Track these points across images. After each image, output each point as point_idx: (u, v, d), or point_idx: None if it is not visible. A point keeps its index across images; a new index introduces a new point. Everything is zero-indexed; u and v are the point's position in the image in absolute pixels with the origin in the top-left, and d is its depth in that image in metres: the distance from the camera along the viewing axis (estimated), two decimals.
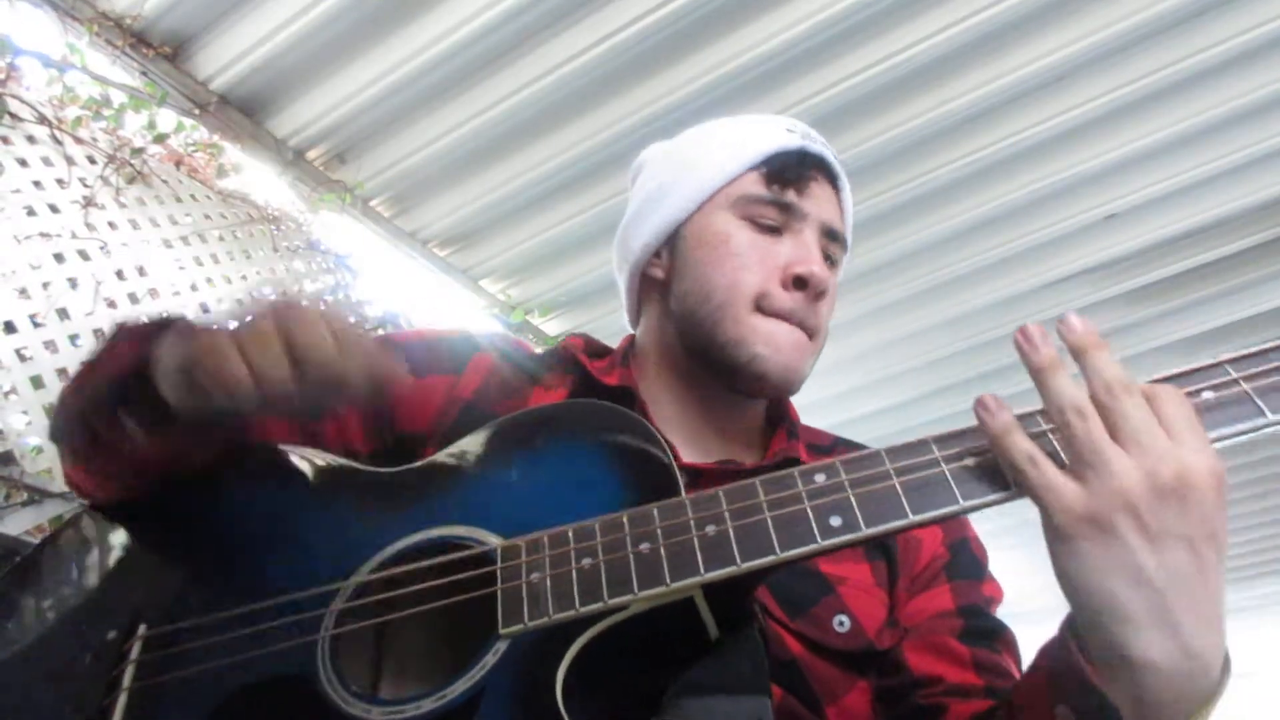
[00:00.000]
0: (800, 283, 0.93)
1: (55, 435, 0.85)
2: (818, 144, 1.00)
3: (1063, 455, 0.59)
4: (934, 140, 2.70)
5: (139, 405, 0.74)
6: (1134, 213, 2.98)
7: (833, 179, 1.01)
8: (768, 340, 0.92)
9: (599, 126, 2.63)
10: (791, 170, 0.96)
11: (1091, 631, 0.58)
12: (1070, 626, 0.64)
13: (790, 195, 0.96)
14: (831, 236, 0.99)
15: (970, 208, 2.94)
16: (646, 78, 2.50)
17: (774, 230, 0.96)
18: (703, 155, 1.02)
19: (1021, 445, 0.59)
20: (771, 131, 1.00)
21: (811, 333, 0.96)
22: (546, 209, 2.94)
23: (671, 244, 1.02)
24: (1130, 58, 2.46)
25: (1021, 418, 0.61)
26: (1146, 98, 2.57)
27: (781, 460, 0.96)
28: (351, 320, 0.70)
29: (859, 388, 3.76)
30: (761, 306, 0.93)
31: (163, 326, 0.73)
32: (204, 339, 0.68)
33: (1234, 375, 0.60)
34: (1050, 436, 0.60)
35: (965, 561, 0.95)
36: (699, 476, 0.91)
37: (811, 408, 3.73)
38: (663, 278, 1.02)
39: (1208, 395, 0.60)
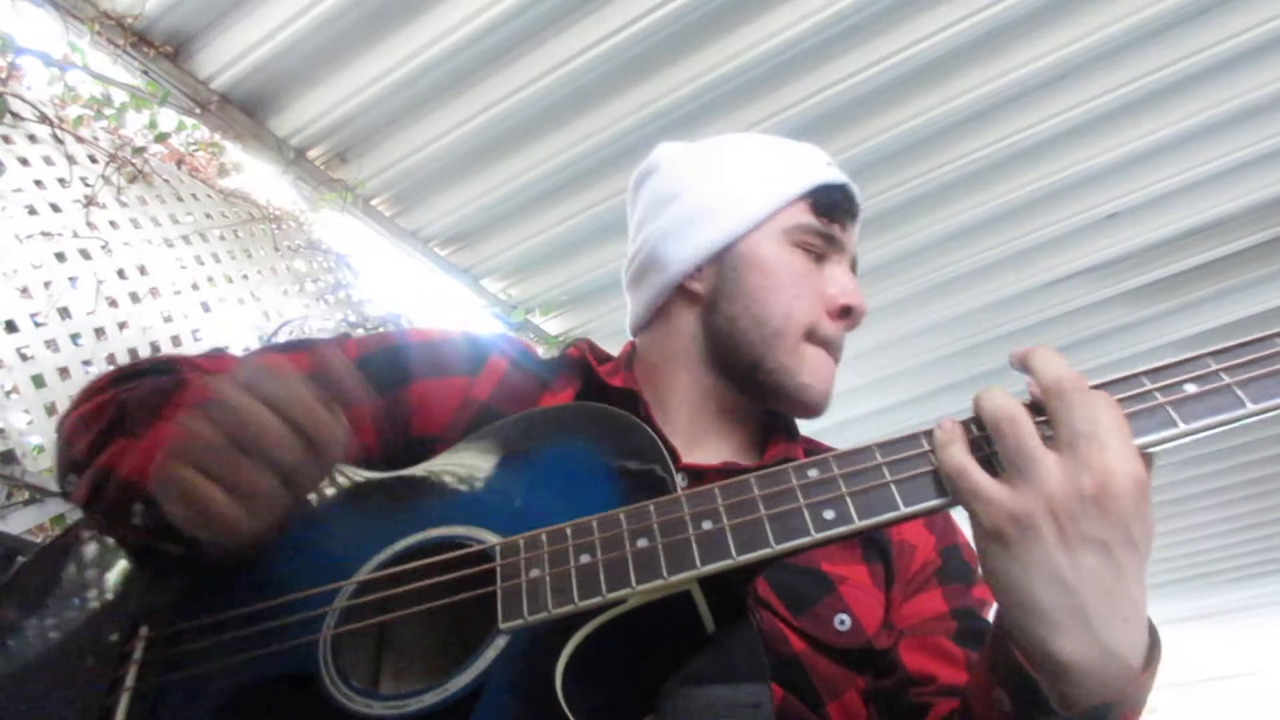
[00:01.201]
0: (846, 312, 1.03)
1: (62, 485, 0.84)
2: (853, 183, 1.09)
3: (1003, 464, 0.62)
4: (934, 139, 2.70)
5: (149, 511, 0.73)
6: (1135, 212, 2.98)
7: (855, 217, 1.10)
8: (814, 371, 1.00)
9: (600, 125, 2.63)
10: (839, 205, 1.05)
11: (1016, 627, 0.61)
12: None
13: (836, 229, 1.04)
14: (854, 268, 1.10)
15: (971, 207, 2.94)
16: (647, 77, 2.50)
17: (818, 258, 1.03)
18: (751, 179, 1.05)
19: (955, 457, 0.62)
20: (817, 164, 1.07)
21: (838, 357, 1.05)
22: (548, 208, 2.94)
23: (719, 262, 1.04)
24: (1131, 57, 2.47)
25: (975, 439, 0.64)
26: (1147, 97, 2.57)
27: (781, 461, 0.97)
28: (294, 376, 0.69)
29: (859, 387, 3.77)
30: (811, 335, 1.00)
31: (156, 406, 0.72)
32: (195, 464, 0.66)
33: (1215, 367, 0.62)
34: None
35: (955, 566, 0.98)
36: (700, 477, 0.92)
37: None
38: (703, 293, 1.04)
39: (1190, 388, 0.61)
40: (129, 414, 0.77)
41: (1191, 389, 0.61)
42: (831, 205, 1.03)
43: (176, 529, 0.70)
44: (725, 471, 0.94)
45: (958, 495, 0.61)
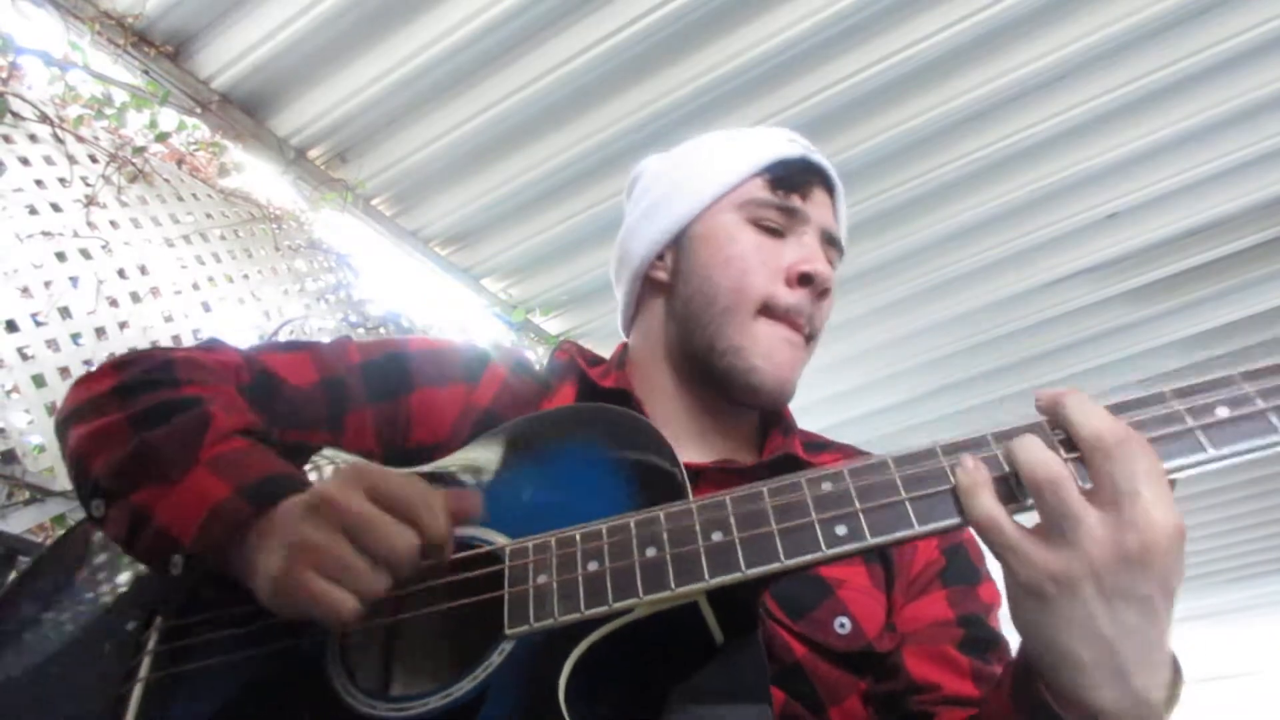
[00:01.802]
0: (805, 279, 0.96)
1: (88, 509, 0.80)
2: (817, 155, 1.04)
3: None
4: (935, 139, 2.70)
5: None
6: (1135, 212, 2.98)
7: (830, 189, 1.05)
8: (767, 353, 0.95)
9: (600, 125, 2.63)
10: (796, 176, 1.00)
11: (1049, 674, 0.60)
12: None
13: (794, 200, 0.99)
14: (830, 242, 1.02)
15: (971, 207, 2.94)
16: (647, 77, 2.50)
17: (777, 233, 0.99)
18: (708, 162, 1.05)
19: (987, 506, 0.59)
20: (775, 141, 1.04)
21: (810, 336, 0.98)
22: (548, 208, 2.94)
23: (676, 246, 1.04)
24: (1131, 56, 2.46)
25: (1001, 478, 0.61)
26: (1148, 96, 2.57)
27: (780, 458, 0.97)
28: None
29: (860, 387, 3.77)
30: (767, 309, 0.95)
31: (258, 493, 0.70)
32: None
33: (1249, 390, 0.59)
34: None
35: (960, 566, 0.95)
36: (697, 476, 0.92)
37: (812, 407, 3.76)
38: (666, 280, 1.04)
39: (1222, 411, 0.59)
40: (159, 458, 0.73)
41: (1224, 413, 0.58)
42: (787, 177, 0.99)
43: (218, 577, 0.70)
44: (721, 470, 0.94)
45: (992, 548, 0.60)
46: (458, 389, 0.98)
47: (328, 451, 0.87)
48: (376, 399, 0.95)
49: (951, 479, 0.62)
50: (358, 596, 0.63)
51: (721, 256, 0.98)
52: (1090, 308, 3.35)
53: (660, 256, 1.06)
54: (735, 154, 1.03)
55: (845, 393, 3.77)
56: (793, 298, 0.95)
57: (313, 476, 0.84)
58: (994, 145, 2.71)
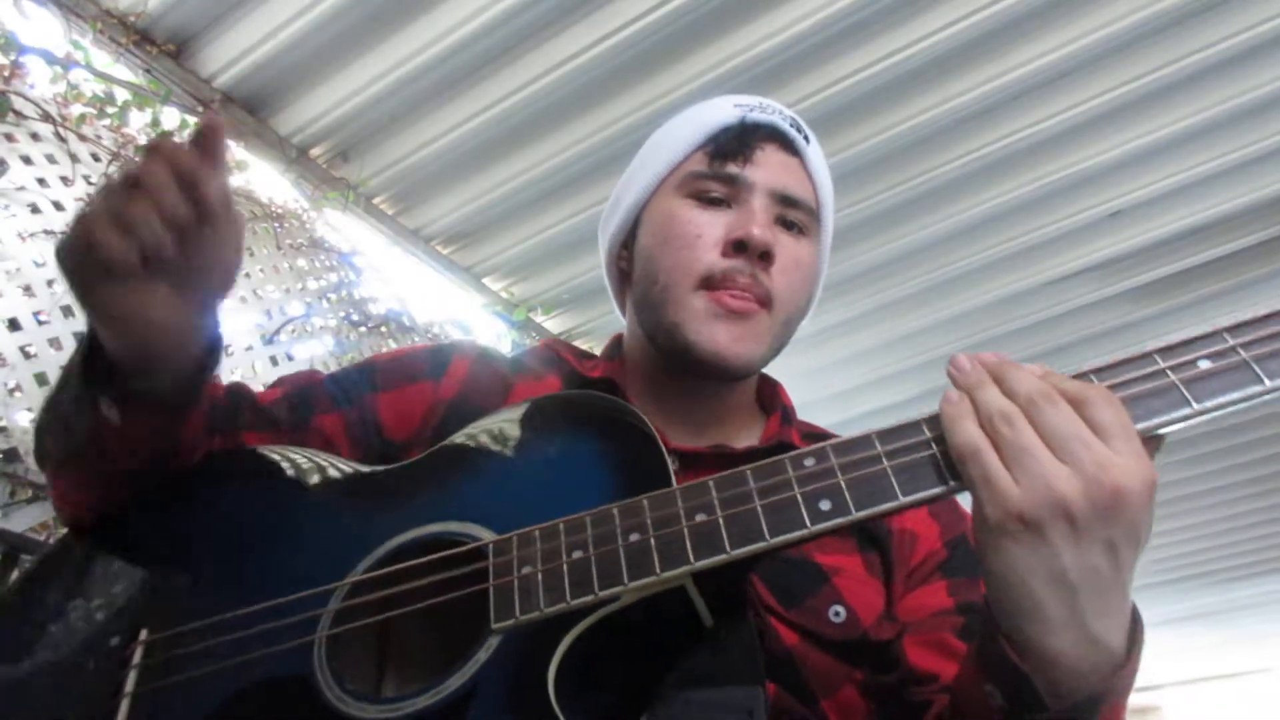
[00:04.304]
0: (740, 246, 0.91)
1: (40, 453, 0.87)
2: (766, 113, 1.00)
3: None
4: (937, 138, 2.70)
5: (104, 384, 0.76)
6: (1138, 210, 2.98)
7: (788, 145, 0.99)
8: (701, 325, 0.91)
9: (601, 124, 2.63)
10: (733, 143, 0.96)
11: (1004, 622, 0.60)
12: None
13: (731, 167, 0.95)
14: (788, 202, 0.96)
15: (973, 205, 2.94)
16: (648, 75, 2.50)
17: (720, 203, 0.95)
18: (655, 147, 1.04)
19: (970, 434, 0.59)
20: (717, 111, 1.00)
21: (762, 299, 0.93)
22: (549, 207, 2.94)
23: (632, 234, 1.04)
24: (1134, 54, 2.46)
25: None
26: (1150, 95, 2.57)
27: (775, 445, 0.96)
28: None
29: (861, 386, 3.76)
30: (707, 282, 0.92)
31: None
32: (96, 208, 0.71)
33: (1232, 343, 0.59)
34: None
35: (963, 558, 0.94)
36: (692, 461, 0.92)
37: (812, 406, 3.75)
38: (628, 269, 1.05)
39: (1205, 364, 0.59)
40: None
41: (1206, 365, 0.58)
42: (725, 146, 0.96)
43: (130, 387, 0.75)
44: (717, 455, 0.93)
45: (966, 478, 0.59)
46: (424, 385, 0.99)
47: (298, 453, 0.89)
48: (343, 404, 0.97)
49: (933, 445, 0.62)
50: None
51: (661, 237, 0.96)
52: (1092, 306, 3.35)
53: (625, 246, 1.06)
54: (677, 134, 1.02)
55: (845, 392, 3.77)
56: (727, 264, 0.91)
57: (284, 467, 0.87)
58: (995, 144, 2.71)
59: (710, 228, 0.94)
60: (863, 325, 3.43)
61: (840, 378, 3.67)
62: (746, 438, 1.02)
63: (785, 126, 0.99)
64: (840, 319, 3.34)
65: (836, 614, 0.85)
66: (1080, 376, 0.62)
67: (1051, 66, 2.47)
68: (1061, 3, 2.32)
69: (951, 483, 0.60)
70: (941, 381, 0.61)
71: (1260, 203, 2.94)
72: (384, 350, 2.71)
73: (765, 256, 0.92)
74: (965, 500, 0.63)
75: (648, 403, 0.99)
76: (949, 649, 0.86)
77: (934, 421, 0.63)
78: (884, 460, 0.62)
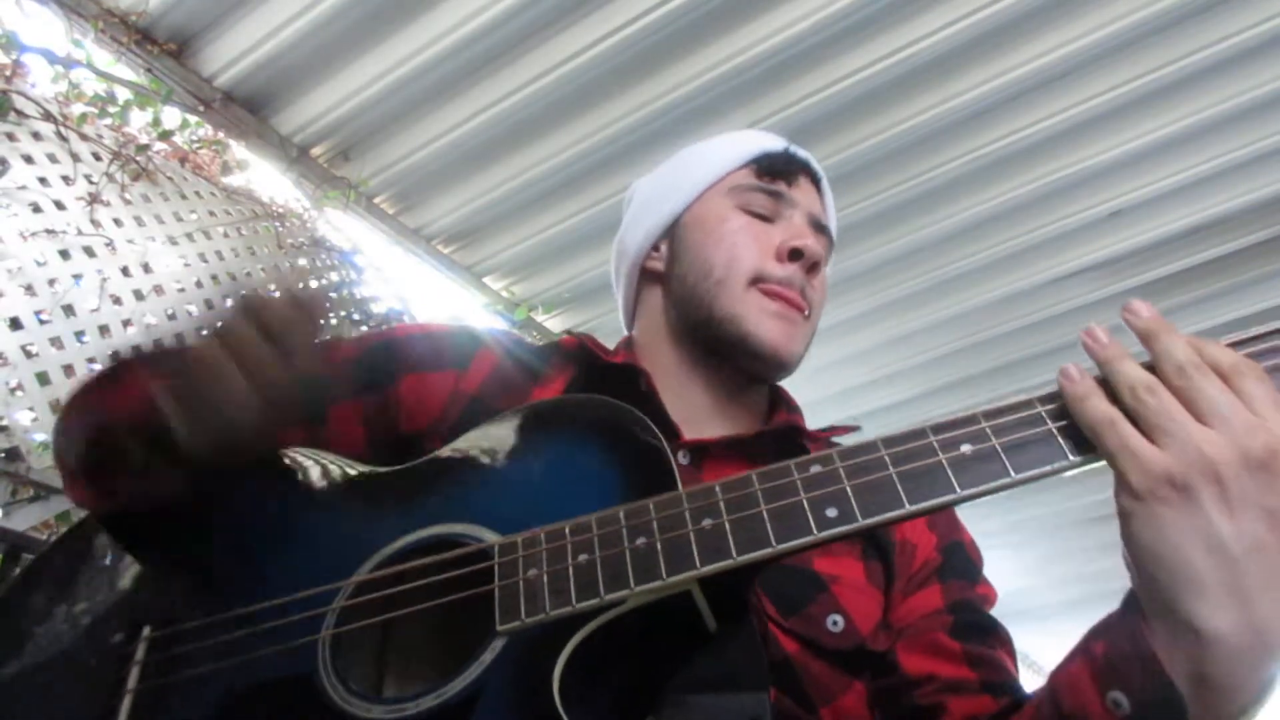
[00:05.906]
0: (795, 254, 0.99)
1: (60, 455, 0.87)
2: (801, 151, 1.10)
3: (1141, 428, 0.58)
4: (937, 137, 2.70)
5: (154, 446, 0.77)
6: (1139, 209, 2.98)
7: (817, 183, 1.10)
8: (760, 320, 0.97)
9: (602, 123, 2.63)
10: (780, 165, 1.06)
11: (1157, 602, 0.57)
12: (1133, 606, 0.62)
13: (780, 186, 1.04)
14: (819, 228, 1.06)
15: (974, 204, 2.94)
16: (649, 75, 2.50)
17: (766, 219, 1.03)
18: (698, 159, 1.11)
19: (1102, 408, 0.58)
20: (760, 137, 1.10)
21: (807, 307, 1.00)
22: (550, 206, 2.94)
23: (670, 235, 1.09)
24: (1135, 54, 2.46)
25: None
26: (1151, 94, 2.57)
27: (785, 428, 1.00)
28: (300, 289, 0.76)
29: (862, 385, 3.76)
30: (758, 283, 0.98)
31: (160, 359, 0.77)
32: (194, 359, 0.73)
33: None
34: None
35: (958, 564, 0.95)
36: (704, 452, 0.93)
37: (814, 406, 3.73)
38: (662, 268, 1.08)
39: None
40: (125, 361, 0.84)
41: None
42: (772, 166, 1.05)
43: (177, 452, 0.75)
44: (728, 444, 0.94)
45: (1103, 450, 0.57)
46: (448, 375, 0.98)
47: (306, 452, 0.88)
48: (364, 391, 0.97)
49: (939, 455, 0.61)
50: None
51: (715, 235, 1.02)
52: (1093, 305, 3.35)
53: (655, 247, 1.10)
54: (723, 149, 1.09)
55: (846, 391, 3.77)
56: (784, 271, 0.98)
57: (290, 466, 0.87)
58: (995, 144, 2.71)
59: (763, 235, 1.01)
60: (863, 325, 3.43)
61: (842, 377, 3.67)
62: (756, 428, 1.04)
63: (816, 167, 1.10)
64: (840, 319, 3.34)
65: (834, 623, 0.85)
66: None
67: (1051, 66, 2.47)
68: (1061, 3, 2.32)
69: (960, 491, 0.60)
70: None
71: (1260, 203, 2.94)
72: None
73: (814, 268, 1.01)
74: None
75: (668, 390, 1.00)
76: (940, 647, 0.87)
77: (940, 429, 0.63)
78: (890, 467, 0.62)
